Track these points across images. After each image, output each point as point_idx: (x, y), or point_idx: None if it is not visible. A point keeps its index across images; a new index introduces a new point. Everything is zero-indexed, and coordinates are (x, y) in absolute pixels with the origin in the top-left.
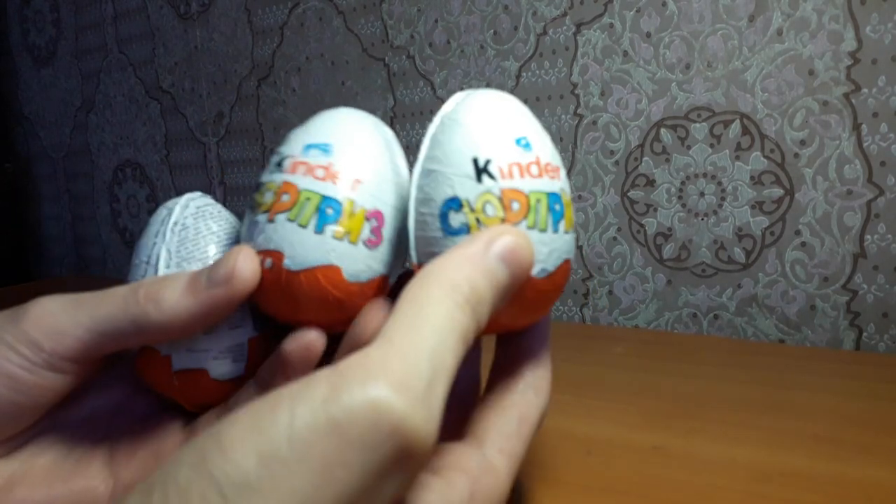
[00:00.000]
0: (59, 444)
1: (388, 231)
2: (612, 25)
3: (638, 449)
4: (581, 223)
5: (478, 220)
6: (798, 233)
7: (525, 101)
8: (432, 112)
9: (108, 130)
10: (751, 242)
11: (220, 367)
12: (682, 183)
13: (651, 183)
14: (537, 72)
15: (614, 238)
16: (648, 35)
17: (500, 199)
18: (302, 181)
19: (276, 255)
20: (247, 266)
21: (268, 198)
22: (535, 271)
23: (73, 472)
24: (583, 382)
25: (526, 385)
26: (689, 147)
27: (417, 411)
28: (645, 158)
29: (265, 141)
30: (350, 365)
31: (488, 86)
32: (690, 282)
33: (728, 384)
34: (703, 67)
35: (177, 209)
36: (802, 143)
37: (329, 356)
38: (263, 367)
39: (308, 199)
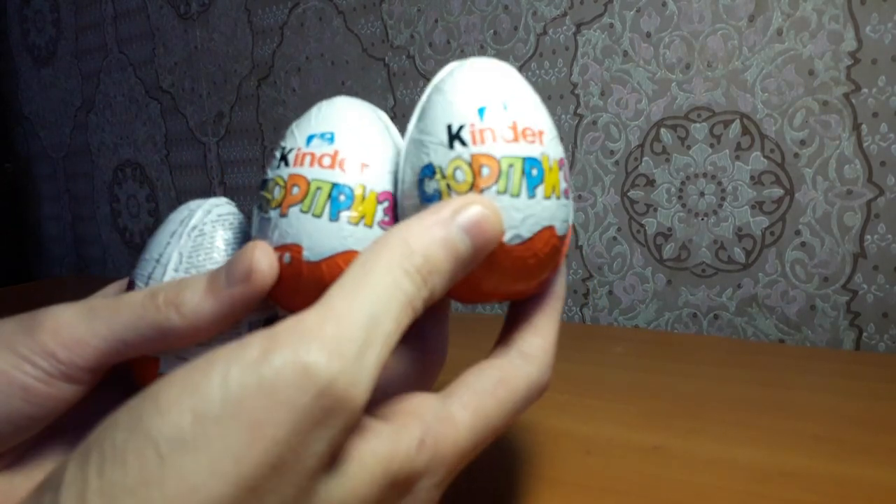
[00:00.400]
0: (59, 451)
1: (398, 210)
2: (612, 25)
3: (638, 449)
4: (581, 223)
5: (448, 186)
6: (798, 233)
7: None
8: None
9: (108, 130)
10: (751, 242)
11: None
12: (682, 183)
13: (651, 183)
14: (537, 72)
15: (614, 238)
16: (648, 35)
17: (470, 165)
18: (310, 171)
19: (295, 248)
20: (264, 260)
21: (277, 193)
22: (507, 237)
23: None
24: (583, 382)
25: (516, 351)
26: (689, 147)
27: (346, 375)
28: (645, 158)
29: (265, 141)
30: (285, 328)
31: None
32: (690, 282)
33: (728, 384)
34: (703, 67)
35: (198, 213)
36: (802, 143)
37: None
38: None
39: (319, 188)
